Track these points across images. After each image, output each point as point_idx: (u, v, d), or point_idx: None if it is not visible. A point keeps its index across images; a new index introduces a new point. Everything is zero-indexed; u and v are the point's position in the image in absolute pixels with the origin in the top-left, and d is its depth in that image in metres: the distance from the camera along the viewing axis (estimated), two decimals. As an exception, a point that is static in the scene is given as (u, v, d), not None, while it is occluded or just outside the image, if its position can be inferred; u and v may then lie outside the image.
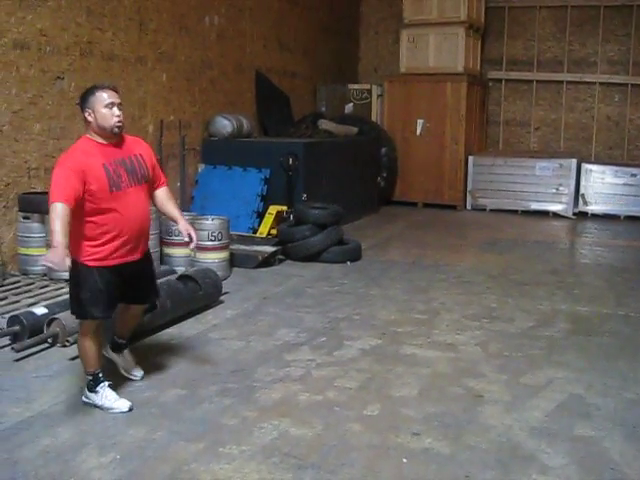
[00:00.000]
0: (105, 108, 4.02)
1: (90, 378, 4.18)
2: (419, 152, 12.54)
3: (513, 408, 4.28)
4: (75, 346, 4.93)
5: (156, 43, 8.61)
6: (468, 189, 12.50)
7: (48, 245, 6.43)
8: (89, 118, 4.05)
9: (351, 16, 14.56)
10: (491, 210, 12.30)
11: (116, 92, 4.13)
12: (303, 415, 4.13)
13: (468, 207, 12.53)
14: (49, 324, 5.13)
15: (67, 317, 5.09)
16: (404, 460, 3.63)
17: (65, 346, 5.06)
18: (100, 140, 4.08)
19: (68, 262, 3.69)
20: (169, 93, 8.86)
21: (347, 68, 14.35)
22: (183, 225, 4.37)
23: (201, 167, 9.60)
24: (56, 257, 3.64)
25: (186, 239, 4.38)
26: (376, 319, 6.06)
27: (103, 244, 4.02)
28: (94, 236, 4.00)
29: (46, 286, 6.32)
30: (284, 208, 8.85)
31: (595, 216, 11.87)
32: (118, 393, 4.26)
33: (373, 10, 14.74)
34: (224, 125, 9.62)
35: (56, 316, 5.13)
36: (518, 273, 7.84)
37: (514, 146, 13.94)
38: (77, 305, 4.12)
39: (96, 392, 4.17)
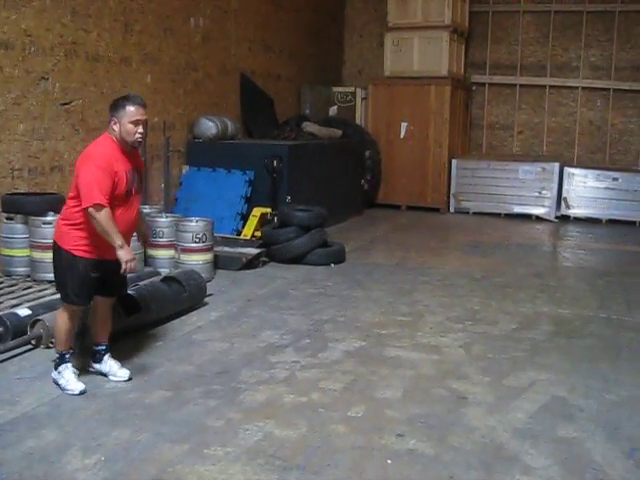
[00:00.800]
0: (130, 124, 4.26)
1: (57, 356, 4.46)
2: (403, 155, 12.59)
3: (496, 409, 4.32)
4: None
5: (141, 44, 8.59)
6: (451, 192, 12.56)
7: (32, 246, 6.44)
8: (114, 127, 4.30)
9: (336, 19, 14.59)
10: (474, 213, 12.36)
11: (144, 108, 4.37)
12: (288, 417, 4.14)
13: (451, 210, 12.59)
14: (32, 325, 5.10)
15: (51, 318, 5.07)
16: (388, 461, 3.64)
17: (49, 347, 5.02)
18: (120, 146, 4.33)
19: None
20: (154, 94, 8.84)
21: (331, 71, 14.37)
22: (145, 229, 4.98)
23: (185, 169, 9.59)
24: (129, 254, 4.22)
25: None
26: (360, 321, 6.07)
27: (98, 240, 4.23)
28: (92, 231, 4.21)
29: (29, 287, 6.28)
30: (268, 210, 8.85)
31: (577, 219, 11.98)
32: (102, 393, 4.28)
33: (358, 13, 14.79)
34: (208, 127, 9.62)
35: (39, 317, 5.10)
36: (501, 276, 7.89)
37: (497, 149, 14.02)
38: (61, 288, 4.45)
39: (58, 371, 4.42)
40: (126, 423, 3.98)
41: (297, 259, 8.03)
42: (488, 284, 7.51)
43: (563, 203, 12.05)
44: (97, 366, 4.64)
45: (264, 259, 8.06)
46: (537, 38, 13.66)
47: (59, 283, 4.46)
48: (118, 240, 4.16)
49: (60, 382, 4.39)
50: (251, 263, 7.80)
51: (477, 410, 4.31)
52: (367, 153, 12.36)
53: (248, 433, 3.90)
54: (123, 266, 4.23)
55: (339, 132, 11.79)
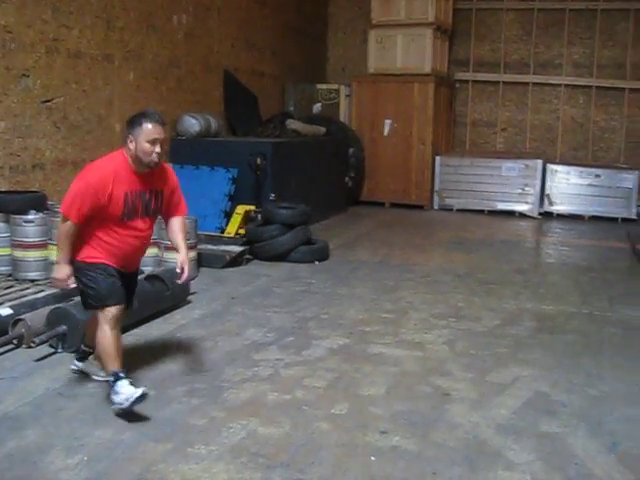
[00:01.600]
0: (147, 143, 4.04)
1: (111, 379, 4.02)
2: (387, 152, 12.60)
3: (480, 406, 4.33)
4: (40, 347, 4.93)
5: (123, 41, 8.54)
6: (435, 189, 12.59)
7: (14, 244, 6.40)
8: (130, 145, 4.08)
9: (319, 16, 14.59)
10: (458, 210, 12.40)
11: (162, 125, 4.15)
12: (271, 414, 4.13)
13: (435, 207, 12.62)
14: (14, 325, 5.07)
15: (32, 318, 5.05)
16: (372, 458, 3.65)
17: (30, 347, 4.99)
18: (133, 166, 4.12)
19: (72, 281, 4.10)
20: (136, 92, 8.80)
21: (315, 68, 14.37)
22: (181, 257, 4.38)
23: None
24: (61, 274, 4.06)
25: (178, 270, 4.41)
26: (344, 318, 6.07)
27: (103, 254, 4.12)
28: (95, 246, 4.11)
29: (11, 287, 6.23)
30: (252, 208, 8.83)
31: (560, 216, 12.04)
32: (85, 392, 4.28)
33: (341, 10, 14.79)
34: (192, 124, 9.59)
35: (21, 317, 5.07)
36: (484, 272, 7.91)
37: (480, 147, 14.07)
38: (93, 297, 4.13)
39: (117, 392, 3.97)
40: (109, 422, 3.96)
41: (281, 257, 8.02)
42: (471, 281, 7.53)
43: (546, 200, 12.11)
44: (80, 364, 4.59)
45: (248, 257, 8.04)
46: (520, 36, 13.72)
47: (85, 294, 4.17)
48: (58, 256, 4.09)
49: (118, 400, 3.95)
50: (235, 261, 7.78)
51: (460, 406, 4.32)
52: (351, 150, 12.36)
53: (232, 431, 3.90)
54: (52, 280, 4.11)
55: (323, 129, 11.79)
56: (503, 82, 13.78)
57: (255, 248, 8.11)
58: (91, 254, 4.10)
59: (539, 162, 12.13)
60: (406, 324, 5.95)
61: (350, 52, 14.63)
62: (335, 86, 13.37)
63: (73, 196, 3.99)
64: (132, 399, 3.89)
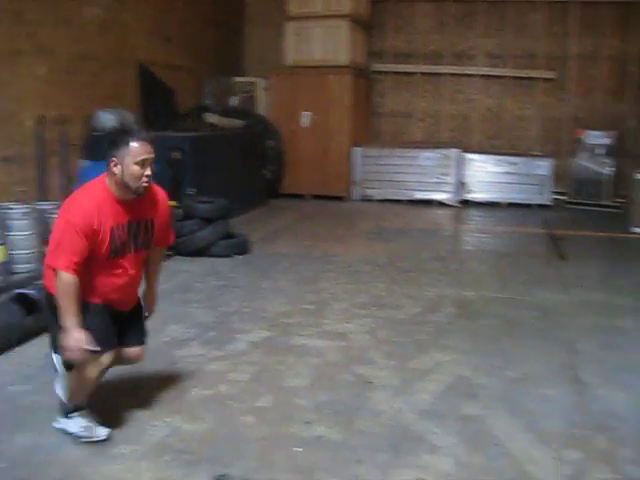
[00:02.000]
0: (136, 165, 3.55)
1: (71, 406, 3.75)
2: (306, 144, 12.62)
3: (402, 392, 4.39)
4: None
5: (33, 35, 8.27)
6: (355, 180, 12.66)
7: None
8: (114, 169, 3.57)
9: (236, 9, 14.49)
10: (378, 200, 12.50)
11: (152, 144, 3.66)
12: (195, 411, 4.10)
13: (355, 198, 12.69)
14: None
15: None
16: (297, 449, 3.66)
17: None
18: (118, 195, 3.62)
19: (89, 347, 3.44)
20: (48, 87, 8.54)
21: (232, 61, 14.26)
22: (148, 302, 4.07)
23: (84, 162, 9.32)
24: (74, 341, 3.41)
25: (145, 314, 4.06)
26: (266, 311, 6.06)
27: (90, 293, 3.62)
28: (81, 283, 3.51)
29: None
30: (171, 203, 8.69)
31: (478, 204, 12.28)
32: (3, 398, 4.12)
33: (258, 2, 14.72)
34: (107, 119, 9.36)
35: None
36: (404, 261, 8.01)
37: (399, 137, 14.22)
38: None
39: (69, 417, 3.74)
40: (29, 427, 3.86)
41: (201, 251, 7.95)
42: (392, 269, 7.61)
43: (463, 188, 12.33)
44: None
45: (168, 252, 7.92)
46: (436, 27, 13.90)
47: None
48: (67, 320, 3.42)
49: (74, 430, 3.70)
50: (155, 257, 7.66)
51: (383, 394, 4.36)
52: (270, 143, 12.34)
53: (155, 429, 3.84)
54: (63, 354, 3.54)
55: (239, 122, 11.73)
56: (420, 73, 13.95)
57: (175, 243, 8.00)
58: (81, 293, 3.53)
59: (456, 151, 12.35)
60: (328, 315, 5.98)
61: (267, 44, 14.50)
62: (252, 79, 13.32)
63: (57, 244, 3.47)
64: (93, 439, 3.67)
